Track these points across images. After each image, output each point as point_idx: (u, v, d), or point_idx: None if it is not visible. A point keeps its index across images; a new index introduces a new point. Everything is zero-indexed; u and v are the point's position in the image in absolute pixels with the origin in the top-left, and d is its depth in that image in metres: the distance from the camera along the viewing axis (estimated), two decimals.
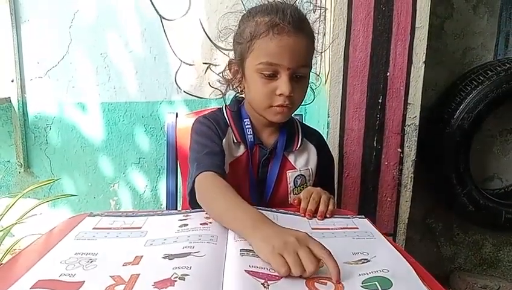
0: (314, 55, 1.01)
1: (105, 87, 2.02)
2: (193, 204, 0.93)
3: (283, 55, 0.90)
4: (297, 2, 0.96)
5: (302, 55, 0.93)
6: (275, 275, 0.59)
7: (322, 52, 1.09)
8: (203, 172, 0.91)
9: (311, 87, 1.09)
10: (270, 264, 0.61)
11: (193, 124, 1.08)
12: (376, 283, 0.57)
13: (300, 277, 0.59)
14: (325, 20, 1.63)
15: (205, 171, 0.90)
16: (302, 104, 1.03)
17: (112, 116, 2.05)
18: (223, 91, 1.10)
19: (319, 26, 1.03)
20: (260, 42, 0.92)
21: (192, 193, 0.92)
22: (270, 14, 0.92)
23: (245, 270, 0.60)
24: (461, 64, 2.01)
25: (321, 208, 0.89)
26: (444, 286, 0.60)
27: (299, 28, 0.91)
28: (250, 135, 1.04)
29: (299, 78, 0.95)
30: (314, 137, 1.14)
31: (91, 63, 2.00)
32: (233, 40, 1.03)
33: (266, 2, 0.97)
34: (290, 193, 1.06)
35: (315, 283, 0.58)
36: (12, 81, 1.97)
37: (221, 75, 1.09)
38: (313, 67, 1.02)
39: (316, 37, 1.00)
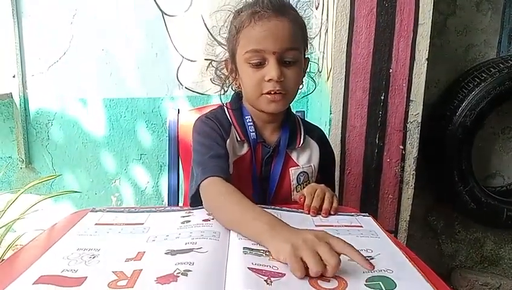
0: (308, 42, 1.02)
1: (107, 83, 2.02)
2: (195, 207, 0.92)
3: (266, 39, 0.91)
4: None
5: (286, 38, 0.92)
6: (278, 273, 0.59)
7: (314, 38, 1.09)
8: (209, 177, 0.89)
9: (310, 76, 1.08)
10: (288, 265, 0.60)
11: (195, 123, 1.07)
12: (380, 283, 0.57)
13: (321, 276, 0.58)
14: (323, 10, 1.63)
15: (211, 177, 0.89)
16: (305, 94, 1.02)
17: (114, 112, 2.05)
18: (223, 87, 1.10)
19: (305, 11, 1.03)
20: (244, 32, 0.94)
21: (195, 197, 0.91)
22: (252, 6, 0.94)
23: (248, 268, 0.59)
24: (464, 61, 2.01)
25: (325, 205, 0.89)
26: (445, 283, 0.59)
27: (280, 11, 0.92)
28: (253, 132, 1.03)
29: (290, 64, 0.94)
30: (315, 134, 1.14)
31: (92, 59, 1.99)
32: (226, 38, 1.04)
33: None
34: (293, 190, 1.05)
35: (318, 280, 0.58)
36: (13, 76, 1.96)
37: (216, 74, 1.10)
38: (308, 55, 1.02)
39: (305, 23, 1.00)
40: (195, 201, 0.91)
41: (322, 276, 0.59)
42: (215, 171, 0.90)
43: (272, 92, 0.94)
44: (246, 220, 0.74)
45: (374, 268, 0.59)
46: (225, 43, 1.06)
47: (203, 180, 0.89)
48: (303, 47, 0.99)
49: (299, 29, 0.97)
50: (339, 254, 0.60)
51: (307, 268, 0.59)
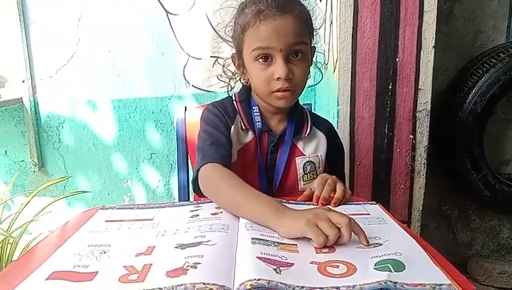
0: (314, 33, 1.02)
1: (115, 84, 2.03)
2: (197, 191, 0.95)
3: (272, 37, 0.92)
4: None
5: (291, 35, 0.93)
6: (286, 262, 0.59)
7: (319, 28, 1.09)
8: (208, 163, 0.91)
9: (317, 67, 1.08)
10: (307, 235, 0.66)
11: (202, 112, 1.10)
12: (389, 265, 0.57)
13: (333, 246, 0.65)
14: (327, 2, 1.62)
15: (210, 163, 0.91)
16: (312, 85, 1.03)
17: (123, 112, 2.06)
18: (229, 84, 1.11)
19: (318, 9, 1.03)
20: (250, 32, 0.94)
21: (195, 181, 0.94)
22: (256, 4, 0.93)
23: (257, 257, 0.60)
24: (472, 48, 1.98)
25: (337, 194, 0.89)
26: (461, 272, 0.59)
27: (284, 9, 0.92)
28: (259, 122, 1.05)
29: (297, 59, 0.95)
30: (323, 125, 1.14)
31: (100, 61, 2.01)
32: (232, 35, 1.05)
33: None
34: (299, 180, 1.06)
35: (327, 267, 0.58)
36: (23, 81, 1.99)
37: (224, 70, 1.12)
38: (317, 48, 1.02)
39: (310, 14, 1.01)
40: (196, 186, 0.94)
41: (330, 262, 0.60)
42: (214, 158, 0.92)
43: (281, 90, 0.95)
44: (250, 204, 0.78)
45: (369, 243, 0.65)
46: (231, 40, 1.07)
47: (201, 166, 0.92)
48: (309, 39, 1.00)
49: (304, 23, 0.97)
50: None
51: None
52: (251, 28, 0.94)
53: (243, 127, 1.05)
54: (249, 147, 1.05)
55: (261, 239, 0.67)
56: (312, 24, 1.01)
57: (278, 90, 0.96)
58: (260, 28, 0.92)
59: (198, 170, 0.93)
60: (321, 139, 1.10)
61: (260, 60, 0.95)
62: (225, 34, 1.07)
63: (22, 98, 2.00)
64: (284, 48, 0.92)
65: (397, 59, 1.55)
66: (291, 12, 0.93)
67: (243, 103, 1.08)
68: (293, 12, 0.93)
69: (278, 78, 0.94)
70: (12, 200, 2.06)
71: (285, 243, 0.67)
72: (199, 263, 0.57)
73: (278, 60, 0.93)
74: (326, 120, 1.20)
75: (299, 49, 0.95)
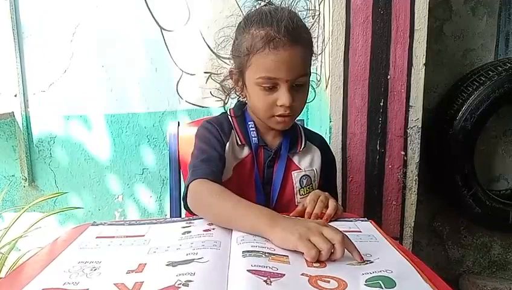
0: (313, 58, 1.02)
1: (108, 99, 2.03)
2: (187, 208, 0.94)
3: (281, 69, 0.91)
4: (291, 6, 0.97)
5: (300, 66, 0.93)
6: (277, 273, 0.59)
7: (319, 55, 1.10)
8: (196, 179, 0.91)
9: (312, 86, 1.10)
10: (299, 249, 0.66)
11: (198, 129, 1.09)
12: (380, 281, 0.57)
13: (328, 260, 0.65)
14: (319, 22, 1.64)
15: (199, 179, 0.91)
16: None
17: (115, 128, 2.05)
18: (224, 99, 1.11)
19: (317, 30, 1.04)
20: (257, 57, 0.93)
21: (186, 199, 0.93)
22: (264, 26, 0.92)
23: (247, 270, 0.59)
24: (462, 66, 2.01)
25: (329, 211, 0.89)
26: (452, 289, 0.59)
27: (296, 38, 0.91)
28: (255, 137, 1.05)
29: (299, 86, 0.96)
30: (317, 139, 1.16)
31: (93, 76, 2.01)
32: (231, 51, 1.04)
33: (261, 9, 0.96)
34: (296, 193, 1.06)
35: (318, 281, 0.58)
36: (15, 96, 1.98)
37: (222, 84, 1.11)
38: (313, 71, 1.03)
39: (313, 40, 1.01)
40: (186, 203, 0.93)
41: (321, 276, 0.59)
42: (203, 173, 0.92)
43: (282, 115, 0.97)
44: (241, 214, 0.78)
45: (363, 259, 0.65)
46: (227, 56, 1.06)
47: (191, 182, 0.91)
48: (311, 65, 1.01)
49: (310, 51, 0.99)
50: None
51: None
52: (260, 54, 0.92)
53: (239, 143, 1.05)
54: (245, 163, 1.05)
55: (251, 251, 0.67)
56: (313, 49, 1.02)
57: (278, 115, 0.97)
58: (270, 57, 0.90)
59: (187, 187, 0.92)
60: (315, 153, 1.11)
61: (265, 85, 0.94)
62: (217, 49, 1.07)
63: (13, 112, 1.99)
64: (291, 79, 0.92)
65: (388, 76, 1.57)
66: (301, 41, 0.92)
67: (238, 118, 1.08)
68: (303, 42, 0.93)
69: (281, 105, 0.94)
70: (1, 216, 2.04)
71: (276, 254, 0.67)
72: (191, 281, 0.57)
73: (282, 88, 0.93)
74: (318, 134, 1.21)
75: (304, 80, 0.96)
